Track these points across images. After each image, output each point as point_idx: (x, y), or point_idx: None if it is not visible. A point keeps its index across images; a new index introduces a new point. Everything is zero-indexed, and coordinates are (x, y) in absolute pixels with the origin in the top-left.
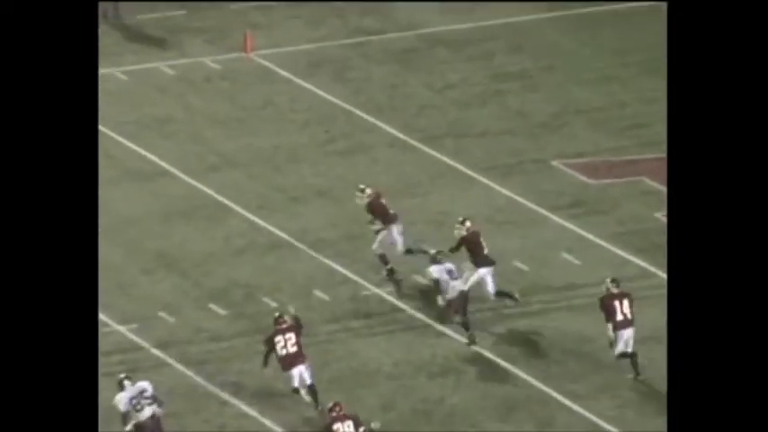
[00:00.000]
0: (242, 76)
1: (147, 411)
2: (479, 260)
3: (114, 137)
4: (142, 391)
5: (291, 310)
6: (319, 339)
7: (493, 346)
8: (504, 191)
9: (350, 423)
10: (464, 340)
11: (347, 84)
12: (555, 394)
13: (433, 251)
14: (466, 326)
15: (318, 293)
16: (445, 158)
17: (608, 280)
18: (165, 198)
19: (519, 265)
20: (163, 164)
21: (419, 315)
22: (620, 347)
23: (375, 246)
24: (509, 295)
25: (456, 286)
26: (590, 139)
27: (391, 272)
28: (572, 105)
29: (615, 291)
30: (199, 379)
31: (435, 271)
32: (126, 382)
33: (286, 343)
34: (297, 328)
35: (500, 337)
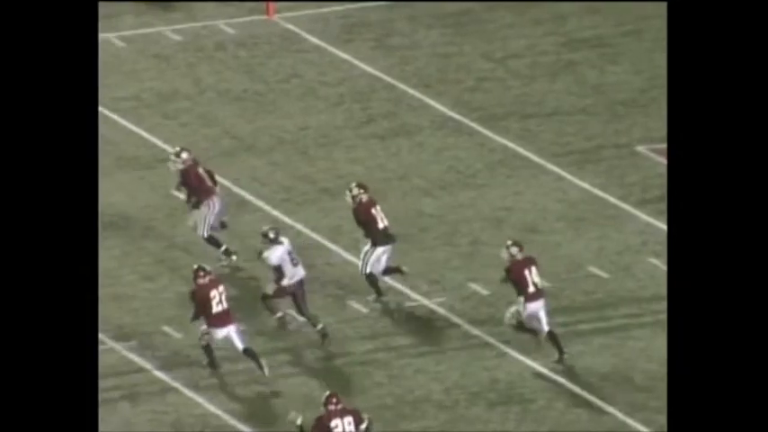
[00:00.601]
0: (263, 42)
1: None
2: (374, 237)
3: (108, 115)
4: None
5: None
6: (355, 360)
7: (565, 369)
8: (579, 182)
9: (350, 420)
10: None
11: (389, 53)
12: (642, 428)
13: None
14: (283, 322)
15: (354, 305)
16: (507, 143)
17: (509, 243)
18: (168, 190)
19: (596, 271)
20: (167, 149)
21: (476, 331)
22: (524, 319)
23: (189, 222)
24: (397, 270)
25: (296, 274)
26: None
27: (228, 252)
28: (661, 79)
29: (520, 257)
30: (211, 407)
31: (275, 257)
32: None
33: (221, 298)
34: (221, 282)
35: (573, 357)
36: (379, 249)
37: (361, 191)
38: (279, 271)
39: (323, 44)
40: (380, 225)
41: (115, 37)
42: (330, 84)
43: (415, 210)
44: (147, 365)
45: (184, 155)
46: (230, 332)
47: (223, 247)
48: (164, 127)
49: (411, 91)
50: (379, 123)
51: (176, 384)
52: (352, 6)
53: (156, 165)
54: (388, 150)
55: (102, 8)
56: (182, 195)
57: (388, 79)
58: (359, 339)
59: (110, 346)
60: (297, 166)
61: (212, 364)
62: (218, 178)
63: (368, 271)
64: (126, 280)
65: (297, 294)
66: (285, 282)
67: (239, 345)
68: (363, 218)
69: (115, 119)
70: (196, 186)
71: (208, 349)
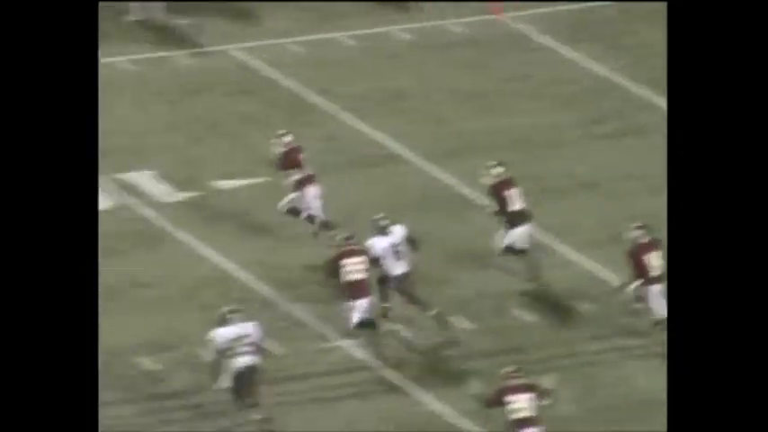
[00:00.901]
0: (491, 42)
1: (243, 360)
2: (509, 216)
3: (337, 114)
4: (245, 335)
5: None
6: (583, 360)
7: None
8: None
9: (531, 395)
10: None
11: (621, 52)
12: None
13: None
14: (385, 313)
15: (582, 306)
16: None
17: (632, 227)
18: (394, 188)
19: None
20: (394, 147)
21: None
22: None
23: (282, 203)
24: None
25: (398, 268)
26: None
27: (316, 232)
28: None
29: (645, 240)
30: (437, 406)
31: (379, 248)
32: (231, 317)
33: (354, 268)
34: (367, 254)
35: None
36: (514, 231)
37: (502, 169)
38: (380, 261)
39: (552, 44)
40: (510, 207)
41: (346, 36)
42: (559, 83)
43: (644, 210)
44: (374, 363)
45: (287, 138)
46: (364, 305)
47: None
48: (392, 125)
49: (641, 91)
50: (609, 123)
51: (403, 383)
52: (583, 6)
53: (384, 163)
54: (618, 150)
55: (334, 8)
56: (289, 177)
57: (619, 79)
58: (587, 340)
59: (337, 344)
60: (525, 166)
61: (374, 327)
62: (443, 177)
63: (504, 245)
64: None
65: (403, 285)
66: (387, 273)
67: (356, 318)
68: (497, 196)
69: (344, 117)
70: (293, 171)
71: (362, 324)
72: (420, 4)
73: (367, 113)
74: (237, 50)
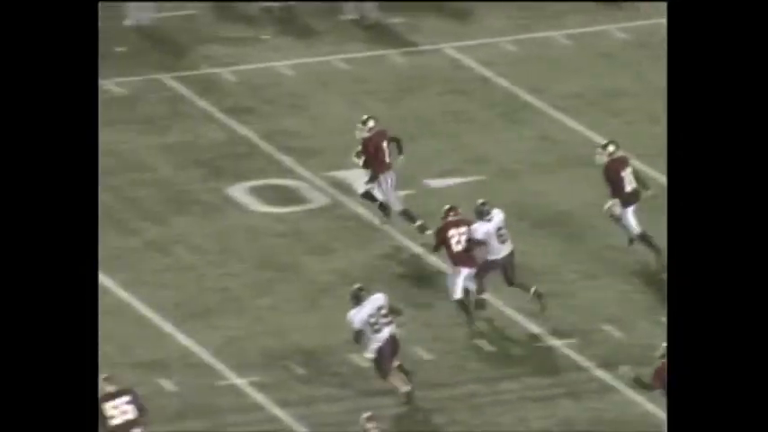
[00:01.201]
0: None
1: (386, 332)
2: (623, 197)
3: (552, 114)
4: (379, 307)
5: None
6: None
7: None
8: None
9: None
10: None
11: None
12: None
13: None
14: (480, 304)
15: None
16: None
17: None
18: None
19: None
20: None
21: None
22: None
23: (394, 202)
24: (650, 242)
25: (502, 251)
26: None
27: (422, 228)
28: None
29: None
30: (650, 406)
31: (482, 232)
32: (362, 293)
33: (460, 238)
34: (470, 223)
35: None
36: (629, 209)
37: (616, 148)
38: (485, 245)
39: None
40: (628, 188)
41: (561, 35)
42: None
43: None
44: (587, 364)
45: (371, 123)
46: (469, 273)
47: (417, 222)
48: (607, 125)
49: None
50: None
51: (616, 383)
52: None
53: None
54: None
55: (549, 7)
56: (359, 162)
57: None
58: None
59: (548, 344)
60: None
61: (467, 311)
62: (657, 176)
63: (639, 231)
64: (566, 278)
65: (506, 266)
66: (491, 257)
67: (471, 286)
68: (613, 176)
69: (558, 117)
70: (371, 157)
71: (462, 304)
72: (636, 3)
73: (581, 112)
74: (451, 49)
